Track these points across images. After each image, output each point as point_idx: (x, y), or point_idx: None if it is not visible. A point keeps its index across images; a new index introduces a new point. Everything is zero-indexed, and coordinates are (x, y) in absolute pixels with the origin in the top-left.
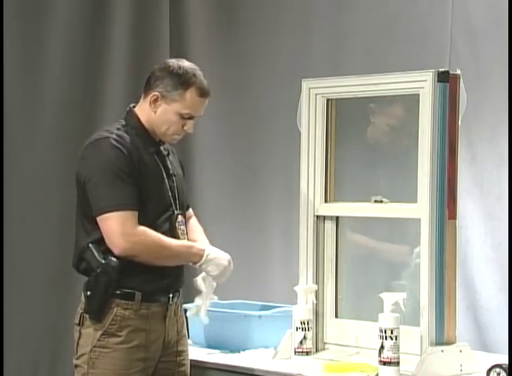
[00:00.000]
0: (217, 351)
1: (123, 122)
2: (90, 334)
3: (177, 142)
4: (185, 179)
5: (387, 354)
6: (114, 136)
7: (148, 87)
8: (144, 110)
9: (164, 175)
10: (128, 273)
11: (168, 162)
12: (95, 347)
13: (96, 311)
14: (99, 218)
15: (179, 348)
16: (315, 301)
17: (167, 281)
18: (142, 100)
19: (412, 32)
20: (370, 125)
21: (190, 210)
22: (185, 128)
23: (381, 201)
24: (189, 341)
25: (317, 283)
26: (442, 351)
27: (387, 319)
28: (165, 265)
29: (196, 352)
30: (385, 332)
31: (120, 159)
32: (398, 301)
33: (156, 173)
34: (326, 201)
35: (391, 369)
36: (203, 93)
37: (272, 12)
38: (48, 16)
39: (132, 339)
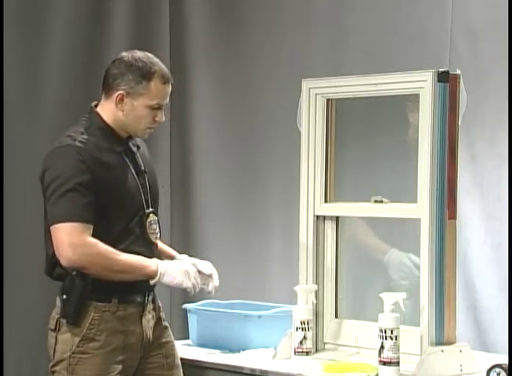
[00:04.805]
0: (217, 351)
1: (86, 123)
2: (67, 339)
3: (177, 143)
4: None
5: (387, 354)
6: (77, 143)
7: (108, 87)
8: (108, 110)
9: (134, 173)
10: None
11: (139, 158)
12: (74, 353)
13: (73, 315)
14: (51, 229)
15: (162, 340)
16: (315, 301)
17: (142, 281)
18: (103, 100)
19: (412, 32)
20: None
21: None
22: (156, 119)
23: (381, 201)
24: (189, 342)
25: (317, 283)
26: (442, 351)
27: (387, 319)
28: (117, 279)
29: (196, 352)
30: (385, 332)
31: (79, 170)
32: (398, 301)
33: (125, 175)
34: (326, 201)
35: (391, 369)
36: (166, 80)
37: (272, 12)
38: (48, 16)
39: (111, 342)
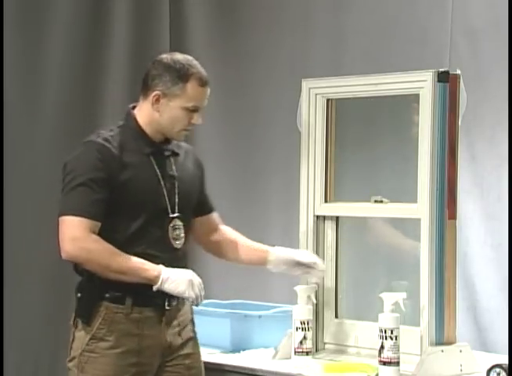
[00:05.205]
0: (217, 351)
1: (120, 123)
2: (81, 337)
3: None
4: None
5: (387, 354)
6: (99, 140)
7: (146, 87)
8: (145, 111)
9: (160, 176)
10: None
11: (170, 163)
12: (84, 351)
13: (85, 314)
14: (59, 220)
15: (186, 351)
16: (315, 301)
17: None
18: (141, 101)
19: (412, 32)
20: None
21: (214, 215)
22: (192, 121)
23: (381, 201)
24: None
25: (317, 283)
26: (442, 351)
27: (387, 319)
28: (116, 279)
29: None
30: (385, 332)
31: (95, 167)
32: (398, 301)
33: (146, 176)
34: (326, 201)
35: (391, 369)
36: (203, 82)
37: (272, 12)
38: (48, 16)
39: (123, 344)
